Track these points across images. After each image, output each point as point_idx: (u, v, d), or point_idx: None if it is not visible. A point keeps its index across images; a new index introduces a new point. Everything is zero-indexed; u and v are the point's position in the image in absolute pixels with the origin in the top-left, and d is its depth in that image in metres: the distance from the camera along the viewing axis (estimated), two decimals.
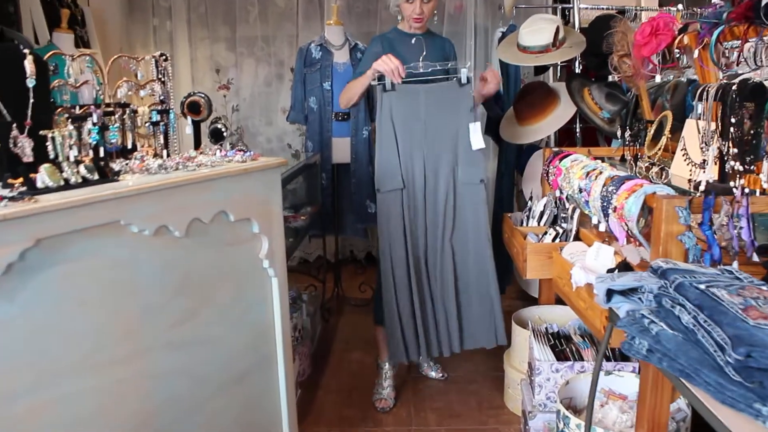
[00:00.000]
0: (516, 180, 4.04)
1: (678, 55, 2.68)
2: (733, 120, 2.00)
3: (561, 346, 2.61)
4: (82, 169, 1.58)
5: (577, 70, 3.51)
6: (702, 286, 1.34)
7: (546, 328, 2.80)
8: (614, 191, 2.07)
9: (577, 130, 3.56)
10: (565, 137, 3.67)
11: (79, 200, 1.44)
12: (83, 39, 4.40)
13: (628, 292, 1.64)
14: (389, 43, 2.84)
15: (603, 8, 4.00)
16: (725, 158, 2.08)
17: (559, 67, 3.96)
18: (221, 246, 1.88)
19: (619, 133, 2.99)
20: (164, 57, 2.27)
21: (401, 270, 2.82)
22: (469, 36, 4.92)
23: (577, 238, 2.59)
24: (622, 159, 2.90)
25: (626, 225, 1.97)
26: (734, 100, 1.99)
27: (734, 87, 2.00)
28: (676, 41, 2.48)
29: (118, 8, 5.00)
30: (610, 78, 3.69)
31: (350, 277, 4.91)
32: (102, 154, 1.87)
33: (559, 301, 3.36)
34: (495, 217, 3.83)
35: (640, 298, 1.61)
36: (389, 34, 2.94)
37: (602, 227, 2.23)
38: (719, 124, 2.10)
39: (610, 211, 2.06)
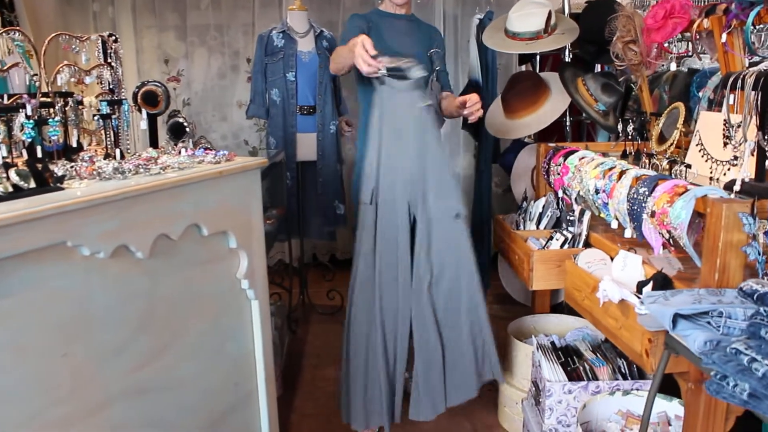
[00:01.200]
0: (494, 176, 3.78)
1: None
2: None
3: (572, 363, 2.34)
4: (12, 174, 1.21)
5: (568, 59, 3.25)
6: None
7: (552, 342, 2.52)
8: (647, 193, 1.80)
9: (567, 123, 3.30)
10: (552, 131, 3.41)
11: (10, 217, 1.07)
12: (12, 24, 3.94)
13: (693, 316, 1.37)
14: (375, 26, 2.50)
15: None
16: (766, 154, 1.84)
17: (539, 58, 3.70)
18: (193, 266, 1.54)
19: (620, 127, 2.75)
20: (113, 38, 1.90)
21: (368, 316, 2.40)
22: (438, 24, 4.64)
23: (587, 243, 2.32)
24: (624, 154, 2.65)
25: (668, 233, 1.70)
26: None
27: None
28: (695, 25, 2.24)
29: None
30: (597, 68, 3.48)
31: (316, 282, 4.57)
32: (39, 154, 1.50)
33: (554, 309, 3.12)
34: (474, 218, 3.55)
35: (708, 322, 1.34)
36: (371, 15, 2.60)
37: (627, 233, 1.97)
38: (758, 115, 1.86)
39: (644, 216, 1.79)
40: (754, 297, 1.20)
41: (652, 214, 1.74)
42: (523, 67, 3.92)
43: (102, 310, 1.30)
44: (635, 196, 1.85)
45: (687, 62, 3.04)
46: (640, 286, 1.80)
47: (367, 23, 2.50)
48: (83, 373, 1.27)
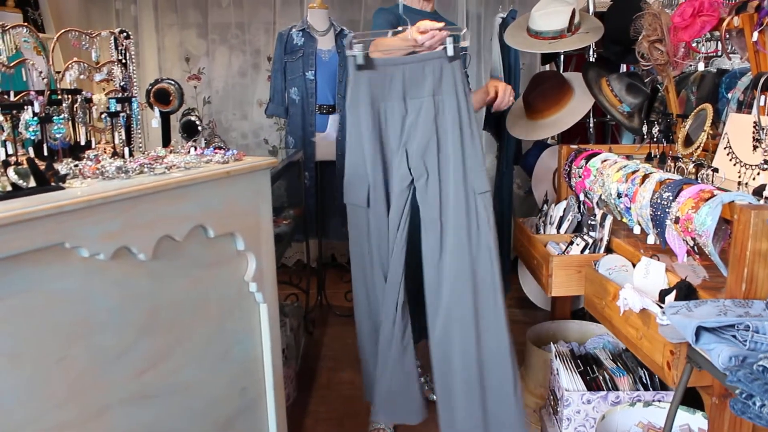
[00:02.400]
0: (516, 179, 3.70)
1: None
2: None
3: (592, 373, 2.27)
4: (11, 173, 1.18)
5: (592, 59, 3.17)
6: None
7: (571, 350, 2.45)
8: (671, 198, 1.73)
9: (591, 124, 3.22)
10: (575, 133, 3.33)
11: (5, 217, 1.04)
12: (37, 23, 3.96)
13: (718, 329, 1.30)
14: (402, 22, 2.43)
15: None
16: None
17: (563, 57, 3.62)
18: (198, 269, 1.50)
19: (645, 128, 2.66)
20: (125, 34, 1.87)
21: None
22: (461, 23, 4.57)
23: (608, 249, 2.24)
24: (648, 157, 2.57)
25: (693, 240, 1.63)
26: None
27: None
28: (725, 23, 2.16)
29: None
30: (622, 68, 3.39)
31: (334, 284, 4.53)
32: (46, 152, 1.48)
33: (574, 315, 3.04)
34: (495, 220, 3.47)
35: (734, 336, 1.27)
36: (395, 9, 2.53)
37: (651, 239, 1.89)
38: None
39: (668, 222, 1.72)
40: None
41: (677, 220, 1.67)
42: (547, 67, 3.84)
43: (102, 313, 1.27)
44: (659, 200, 1.78)
45: (715, 62, 2.95)
46: (663, 294, 1.73)
47: (396, 17, 2.45)
48: (82, 378, 1.23)
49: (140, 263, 1.33)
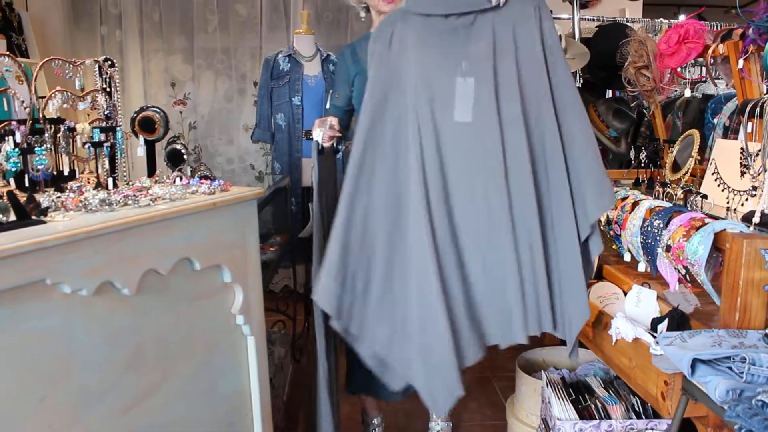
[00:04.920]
0: None
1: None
2: None
3: (584, 401, 2.24)
4: None
5: (578, 84, 3.19)
6: None
7: (563, 378, 2.42)
8: (662, 226, 1.72)
9: None
10: None
11: None
12: (20, 48, 3.93)
13: (714, 361, 1.28)
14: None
15: (590, 19, 3.72)
16: None
17: None
18: (184, 302, 1.46)
19: (632, 154, 2.67)
20: (109, 62, 1.85)
21: None
22: None
23: (599, 276, 2.23)
24: (636, 183, 2.58)
25: (685, 268, 1.61)
26: None
27: None
28: (710, 51, 2.18)
29: (61, 14, 4.51)
30: (608, 93, 3.41)
31: None
32: (27, 183, 1.44)
33: (565, 342, 3.01)
34: None
35: (730, 368, 1.26)
36: (360, 41, 2.43)
37: (641, 267, 1.88)
38: None
39: (659, 250, 1.71)
40: None
41: (668, 249, 1.66)
42: None
43: (85, 350, 1.23)
44: (649, 228, 1.77)
45: (701, 88, 2.98)
46: (655, 323, 1.72)
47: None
48: (65, 418, 1.19)
49: (124, 298, 1.29)
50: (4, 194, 1.27)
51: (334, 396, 2.20)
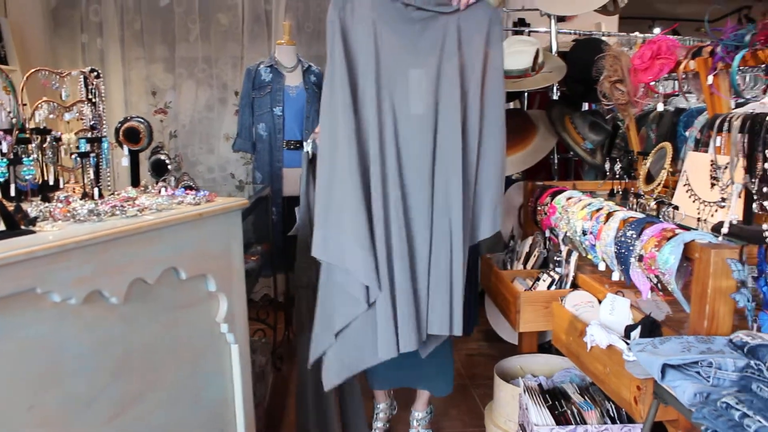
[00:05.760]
0: None
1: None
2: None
3: (560, 407, 2.29)
4: None
5: (555, 97, 3.26)
6: None
7: (539, 384, 2.48)
8: (635, 236, 1.78)
9: (555, 161, 3.30)
10: (540, 169, 3.40)
11: None
12: (0, 55, 3.92)
13: (683, 366, 1.34)
14: None
15: (567, 32, 3.80)
16: (754, 197, 1.82)
17: (527, 95, 3.71)
18: (170, 311, 1.49)
19: (607, 165, 2.74)
20: (95, 73, 1.87)
21: None
22: None
23: (574, 285, 2.29)
24: (612, 194, 2.64)
25: (656, 277, 1.67)
26: None
27: None
28: (681, 66, 2.25)
29: (41, 22, 4.50)
30: (585, 106, 3.49)
31: None
32: (13, 193, 1.46)
33: (542, 349, 3.07)
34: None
35: (698, 372, 1.31)
36: None
37: (615, 276, 1.94)
38: (745, 158, 1.85)
39: (632, 259, 1.77)
40: (745, 350, 1.17)
41: (640, 258, 1.72)
42: (511, 104, 3.93)
43: (74, 358, 1.25)
44: (623, 238, 1.83)
45: (673, 101, 3.06)
46: (629, 330, 1.77)
47: None
48: (53, 426, 1.21)
49: (112, 307, 1.32)
50: None
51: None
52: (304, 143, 2.22)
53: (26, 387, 1.16)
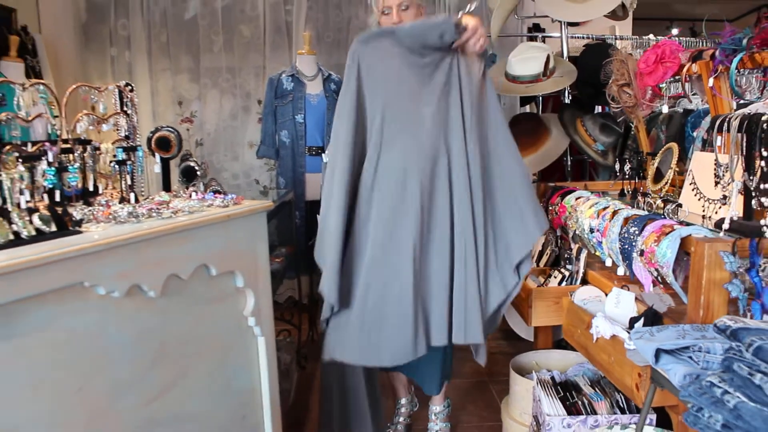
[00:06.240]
0: None
1: (664, 86, 2.56)
2: (764, 153, 1.82)
3: (572, 398, 2.39)
4: (36, 219, 1.31)
5: (567, 101, 3.36)
6: None
7: (552, 377, 2.57)
8: (637, 233, 1.88)
9: (568, 163, 3.39)
10: (554, 170, 3.50)
11: (34, 259, 1.17)
12: (35, 69, 4.10)
13: (676, 351, 1.44)
14: None
15: (580, 37, 3.89)
16: (753, 194, 1.91)
17: (541, 99, 3.81)
18: (201, 305, 1.62)
19: (617, 166, 2.83)
20: (129, 87, 2.01)
21: None
22: None
23: (584, 281, 2.39)
24: (622, 193, 2.73)
25: (656, 271, 1.77)
26: (765, 131, 1.82)
27: (765, 118, 1.83)
28: (685, 69, 2.34)
29: (72, 37, 4.70)
30: (597, 108, 3.57)
31: None
32: (59, 198, 1.60)
33: (557, 345, 3.16)
34: None
35: (690, 357, 1.41)
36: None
37: (620, 271, 2.04)
38: (743, 156, 1.94)
39: (634, 254, 1.87)
40: (727, 333, 1.27)
41: (641, 253, 1.82)
42: (528, 108, 4.03)
43: (116, 346, 1.38)
44: (626, 235, 1.93)
45: (682, 102, 3.13)
46: (633, 322, 1.87)
47: None
48: (98, 408, 1.35)
49: (150, 300, 1.45)
50: (41, 208, 1.43)
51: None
52: (323, 154, 2.35)
53: (75, 371, 1.29)
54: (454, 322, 2.17)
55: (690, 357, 1.40)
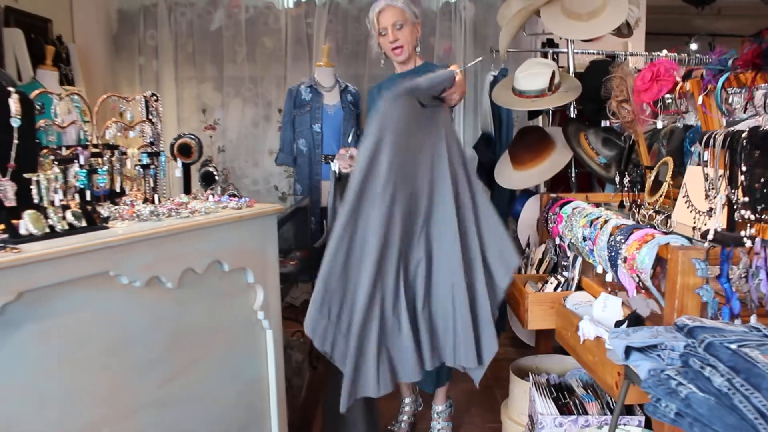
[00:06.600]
0: (509, 225, 3.98)
1: (670, 101, 2.67)
2: (744, 168, 1.94)
3: (564, 398, 2.51)
4: (68, 215, 1.48)
5: (572, 115, 3.48)
6: (733, 346, 1.27)
7: (547, 380, 2.69)
8: (623, 241, 2.00)
9: (573, 175, 3.51)
10: (560, 182, 3.62)
11: (66, 250, 1.34)
12: (67, 77, 4.32)
13: (646, 349, 1.56)
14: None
15: (592, 53, 4.02)
16: (734, 206, 2.02)
17: (551, 112, 3.94)
18: (215, 297, 1.78)
19: (617, 179, 2.94)
20: (155, 97, 2.18)
21: None
22: None
23: (579, 287, 2.51)
24: (621, 205, 2.84)
25: (637, 276, 1.89)
26: (744, 148, 1.94)
27: (744, 134, 1.95)
28: (678, 87, 2.45)
29: (103, 46, 4.93)
30: (603, 123, 3.68)
31: None
32: (88, 198, 1.77)
33: (558, 350, 3.27)
34: None
35: (659, 355, 1.53)
36: (384, 82, 2.87)
37: (609, 277, 2.16)
38: (727, 171, 2.05)
39: (619, 261, 1.99)
40: (685, 330, 1.39)
41: (625, 260, 1.94)
42: (540, 120, 4.16)
43: (136, 330, 1.54)
44: (613, 243, 2.05)
45: (683, 118, 3.24)
46: (618, 325, 1.99)
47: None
48: (118, 383, 1.51)
49: (167, 291, 1.61)
50: (72, 206, 1.60)
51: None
52: (331, 162, 2.50)
53: (100, 349, 1.45)
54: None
55: (659, 355, 1.52)
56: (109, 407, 1.48)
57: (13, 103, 1.52)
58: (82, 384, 1.42)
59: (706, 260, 1.69)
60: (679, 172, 2.57)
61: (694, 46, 8.61)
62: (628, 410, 2.44)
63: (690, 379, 1.29)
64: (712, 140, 2.11)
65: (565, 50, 3.91)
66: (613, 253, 2.04)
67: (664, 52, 4.28)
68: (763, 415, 1.08)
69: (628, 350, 1.56)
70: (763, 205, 1.92)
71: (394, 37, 2.63)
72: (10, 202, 1.48)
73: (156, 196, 1.95)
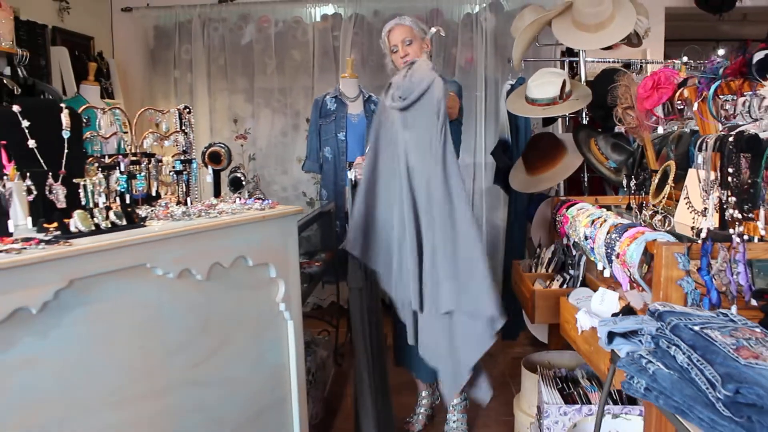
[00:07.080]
0: (527, 228, 4.13)
1: (681, 107, 2.80)
2: (730, 170, 2.07)
3: (569, 389, 2.65)
4: (111, 215, 1.69)
5: (584, 122, 3.62)
6: (696, 328, 1.41)
7: (554, 373, 2.84)
8: (617, 238, 2.15)
9: (585, 179, 3.65)
10: (573, 186, 3.76)
11: (110, 244, 1.54)
12: (107, 90, 4.61)
13: (629, 335, 1.71)
14: None
15: (609, 61, 4.15)
16: (725, 206, 2.15)
17: (567, 119, 4.08)
18: (240, 289, 1.97)
19: (624, 182, 3.07)
20: (188, 109, 2.40)
21: None
22: (480, 88, 5.07)
23: (583, 284, 2.65)
24: (628, 207, 2.97)
25: (629, 271, 2.04)
26: (731, 151, 2.08)
27: (731, 138, 2.09)
28: (677, 94, 2.59)
29: (141, 61, 5.21)
30: (617, 129, 3.82)
31: None
32: (128, 200, 1.98)
33: (569, 346, 3.41)
34: (506, 265, 3.91)
35: (640, 341, 1.68)
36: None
37: (607, 273, 2.30)
38: (718, 173, 2.18)
39: (613, 257, 2.14)
40: (656, 315, 1.54)
41: (618, 256, 2.09)
42: (560, 127, 4.31)
43: (169, 317, 1.74)
44: (608, 241, 2.20)
45: (690, 123, 3.36)
46: (614, 317, 2.13)
47: None
48: (154, 363, 1.71)
49: (198, 282, 1.81)
50: (114, 207, 1.81)
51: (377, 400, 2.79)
52: (348, 171, 2.71)
53: (137, 332, 1.65)
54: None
55: (639, 340, 1.67)
56: (146, 384, 1.68)
57: (64, 118, 1.74)
58: (122, 361, 1.62)
59: (687, 254, 1.83)
60: (681, 175, 2.70)
61: (721, 52, 8.62)
62: (631, 400, 2.58)
63: (658, 358, 1.44)
64: (704, 144, 2.25)
65: (586, 59, 4.06)
66: (609, 250, 2.18)
67: (684, 59, 4.39)
68: (713, 385, 1.23)
69: (612, 336, 1.71)
70: (749, 205, 2.06)
71: (404, 53, 2.83)
72: (62, 203, 1.69)
73: (188, 199, 2.15)
